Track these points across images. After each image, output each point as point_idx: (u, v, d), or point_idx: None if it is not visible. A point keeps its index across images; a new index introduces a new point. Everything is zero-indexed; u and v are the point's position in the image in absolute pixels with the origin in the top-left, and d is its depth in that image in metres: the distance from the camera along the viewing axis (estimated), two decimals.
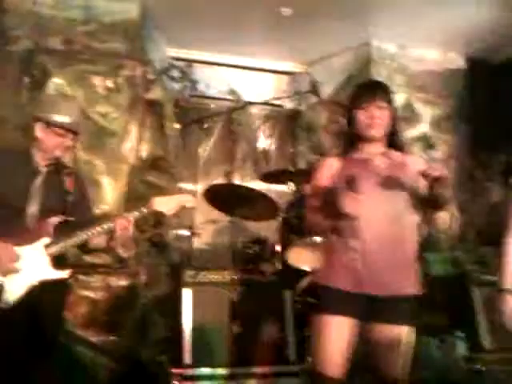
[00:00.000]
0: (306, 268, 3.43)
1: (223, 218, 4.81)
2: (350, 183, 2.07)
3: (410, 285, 2.21)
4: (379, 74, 5.70)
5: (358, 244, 2.15)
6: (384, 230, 2.16)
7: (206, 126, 4.95)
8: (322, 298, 2.21)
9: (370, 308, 2.15)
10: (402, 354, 2.14)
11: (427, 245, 4.70)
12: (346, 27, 5.39)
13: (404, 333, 2.15)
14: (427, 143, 5.68)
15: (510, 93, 5.62)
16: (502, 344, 3.21)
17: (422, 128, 5.71)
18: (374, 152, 2.29)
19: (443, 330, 3.41)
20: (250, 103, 5.83)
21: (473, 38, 5.67)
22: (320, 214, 2.21)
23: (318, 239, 3.61)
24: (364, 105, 2.26)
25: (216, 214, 4.70)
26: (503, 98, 5.63)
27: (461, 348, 3.29)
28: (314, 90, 5.35)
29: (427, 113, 5.75)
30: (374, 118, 2.24)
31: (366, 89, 2.38)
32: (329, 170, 2.32)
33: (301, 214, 3.71)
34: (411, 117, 5.65)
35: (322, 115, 5.88)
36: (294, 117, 6.20)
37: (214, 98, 5.98)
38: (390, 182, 2.20)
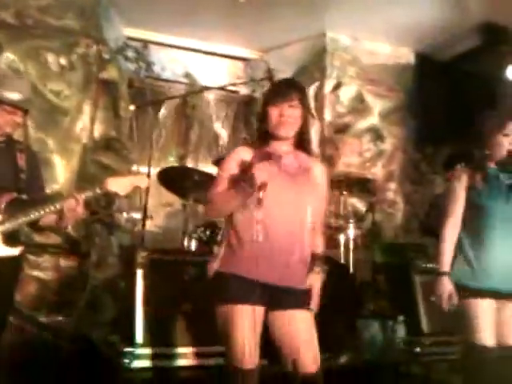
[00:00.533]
0: None
1: (176, 201, 4.86)
2: (260, 187, 2.10)
3: (304, 280, 2.25)
4: (333, 64, 5.84)
5: (262, 235, 2.16)
6: (286, 226, 2.20)
7: (160, 108, 4.94)
8: (228, 286, 2.17)
9: (272, 297, 2.18)
10: (307, 339, 2.19)
11: (372, 234, 4.88)
12: (301, 17, 5.47)
13: (307, 317, 2.22)
14: (376, 135, 5.87)
15: (456, 89, 5.87)
16: (439, 328, 3.39)
17: (372, 120, 5.89)
18: (284, 150, 2.28)
19: (386, 315, 3.58)
20: (205, 88, 5.85)
21: (423, 35, 5.86)
22: (226, 203, 2.22)
23: None
24: (277, 102, 2.25)
25: (169, 196, 4.74)
26: (449, 93, 5.87)
27: (401, 332, 3.47)
28: (269, 77, 5.41)
29: (377, 105, 5.92)
30: (285, 117, 2.24)
31: (281, 87, 2.36)
32: (235, 158, 2.26)
33: None
34: (362, 108, 5.82)
35: None
36: (248, 103, 6.25)
37: (169, 81, 5.95)
38: (296, 183, 2.24)
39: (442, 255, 2.56)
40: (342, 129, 5.71)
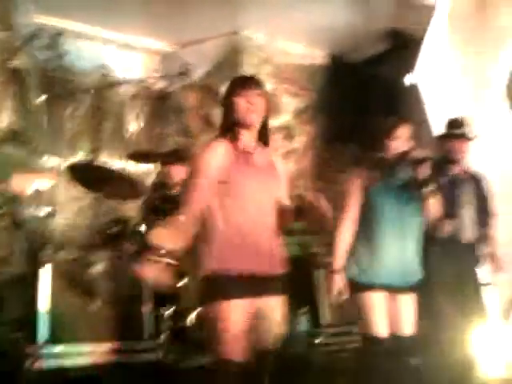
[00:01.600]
0: (169, 247, 3.57)
1: (86, 196, 4.80)
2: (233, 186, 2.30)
3: (280, 265, 2.44)
4: (248, 62, 5.94)
5: (244, 231, 2.33)
6: (261, 218, 2.37)
7: (73, 99, 4.84)
8: (219, 284, 2.29)
9: (256, 286, 2.32)
10: (277, 324, 2.40)
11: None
12: (218, 14, 5.52)
13: (279, 304, 2.40)
14: (289, 133, 6.05)
15: (364, 90, 6.17)
16: (340, 319, 3.61)
17: (285, 118, 6.06)
18: (251, 144, 2.42)
19: (289, 308, 3.74)
20: (120, 80, 5.78)
21: (335, 37, 6.10)
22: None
23: (181, 219, 3.77)
24: (244, 91, 2.38)
25: (80, 191, 4.68)
26: (358, 94, 6.16)
27: (303, 324, 3.65)
28: (185, 72, 5.45)
29: (290, 104, 6.10)
30: (253, 105, 2.37)
31: (246, 78, 2.55)
32: (213, 157, 2.38)
33: (164, 195, 3.86)
34: (275, 107, 5.96)
35: (191, 98, 5.99)
36: (163, 97, 6.22)
37: (82, 72, 5.82)
38: (267, 179, 2.43)
39: (335, 253, 2.73)
40: None
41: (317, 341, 3.50)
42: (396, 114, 6.24)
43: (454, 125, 3.68)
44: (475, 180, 3.73)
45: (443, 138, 3.70)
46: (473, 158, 3.83)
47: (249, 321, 2.30)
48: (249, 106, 2.37)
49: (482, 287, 3.80)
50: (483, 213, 3.60)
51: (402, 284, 2.75)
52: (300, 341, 3.54)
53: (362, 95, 6.08)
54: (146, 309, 3.12)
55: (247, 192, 2.35)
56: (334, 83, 6.23)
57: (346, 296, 2.69)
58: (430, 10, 5.14)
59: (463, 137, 3.60)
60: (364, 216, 2.76)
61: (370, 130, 2.96)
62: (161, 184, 3.95)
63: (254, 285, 2.31)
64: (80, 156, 5.53)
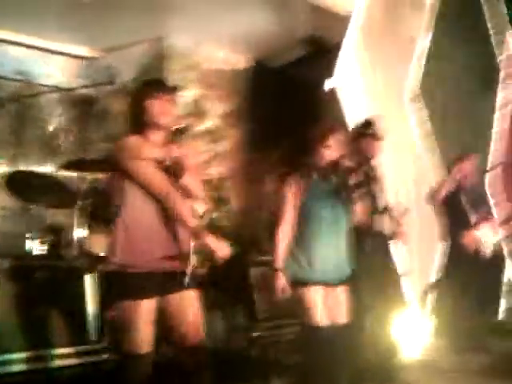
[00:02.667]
0: (104, 253, 3.64)
1: (13, 205, 4.71)
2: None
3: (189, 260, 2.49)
4: (173, 68, 6.04)
5: (153, 229, 2.42)
6: (168, 215, 2.45)
7: None
8: (125, 283, 2.37)
9: (165, 282, 2.43)
10: (196, 316, 2.50)
11: (210, 228, 5.19)
12: (142, 20, 5.56)
13: (195, 297, 2.52)
14: (214, 137, 6.19)
15: (287, 94, 6.42)
16: (272, 314, 3.81)
17: (210, 122, 6.20)
18: (160, 141, 2.50)
19: (226, 304, 3.89)
20: (42, 86, 5.70)
21: (258, 43, 6.32)
22: None
23: None
24: (160, 95, 2.49)
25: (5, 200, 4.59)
26: (280, 99, 6.41)
27: (240, 319, 3.81)
28: (109, 77, 5.45)
29: (215, 108, 6.25)
30: (168, 108, 2.50)
31: (161, 82, 2.64)
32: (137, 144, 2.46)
33: (98, 202, 3.90)
34: (200, 111, 6.10)
35: (115, 104, 6.00)
36: (88, 103, 6.18)
37: (3, 78, 5.68)
38: (176, 172, 2.48)
39: (275, 253, 2.90)
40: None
41: (254, 334, 3.67)
42: (317, 117, 6.61)
43: (367, 125, 3.95)
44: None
45: (357, 137, 3.93)
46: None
47: (157, 316, 2.39)
48: (162, 109, 2.49)
49: (400, 276, 4.11)
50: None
51: (336, 278, 2.96)
52: (238, 335, 3.70)
53: (284, 99, 6.33)
54: (90, 313, 3.17)
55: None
56: (258, 87, 6.43)
57: (288, 293, 2.85)
58: (347, 18, 5.43)
59: (376, 136, 3.87)
60: (300, 218, 2.93)
61: (303, 136, 3.10)
62: (95, 191, 3.98)
63: (160, 281, 2.40)
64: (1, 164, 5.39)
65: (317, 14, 5.74)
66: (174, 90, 2.57)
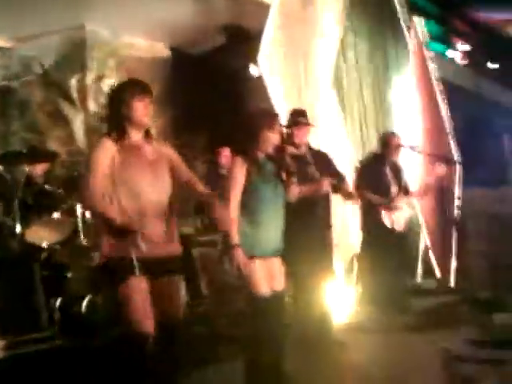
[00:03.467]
0: (45, 244, 3.66)
1: None
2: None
3: (176, 246, 2.76)
4: (93, 56, 5.99)
5: (135, 217, 2.57)
6: (157, 206, 2.63)
7: None
8: (121, 267, 2.54)
9: (151, 266, 2.59)
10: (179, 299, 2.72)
11: None
12: (61, 8, 5.47)
13: (180, 282, 2.73)
14: None
15: (207, 82, 6.57)
16: (216, 290, 4.00)
17: None
18: (140, 139, 2.69)
19: None
20: None
21: (177, 31, 6.38)
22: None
23: (55, 216, 3.85)
24: (142, 97, 2.68)
25: None
26: (202, 86, 6.53)
27: (185, 296, 3.96)
28: (27, 67, 5.34)
29: None
30: (148, 109, 2.69)
31: (141, 84, 2.78)
32: (105, 153, 2.61)
33: (35, 192, 3.89)
34: None
35: (36, 93, 5.87)
36: (4, 93, 5.99)
37: None
38: (157, 166, 2.68)
39: (230, 230, 3.07)
40: None
41: (200, 309, 3.84)
42: (242, 104, 6.80)
43: (296, 114, 4.21)
44: (317, 154, 4.28)
45: (288, 125, 4.18)
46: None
47: (150, 299, 2.55)
48: (146, 111, 2.68)
49: (332, 248, 4.41)
50: (335, 177, 4.14)
51: (275, 252, 3.19)
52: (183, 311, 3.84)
53: (204, 86, 6.46)
54: (40, 301, 3.19)
55: (138, 181, 2.60)
56: (178, 75, 6.51)
57: (249, 266, 3.03)
58: (266, 7, 5.62)
59: (307, 124, 4.14)
60: (246, 197, 3.11)
61: (248, 122, 3.28)
62: (26, 182, 3.93)
63: (151, 267, 2.57)
64: None
65: (237, 1, 5.92)
66: (152, 92, 2.75)
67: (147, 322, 2.53)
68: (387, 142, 5.17)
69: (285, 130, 4.22)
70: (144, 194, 2.60)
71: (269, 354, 3.06)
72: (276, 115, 3.32)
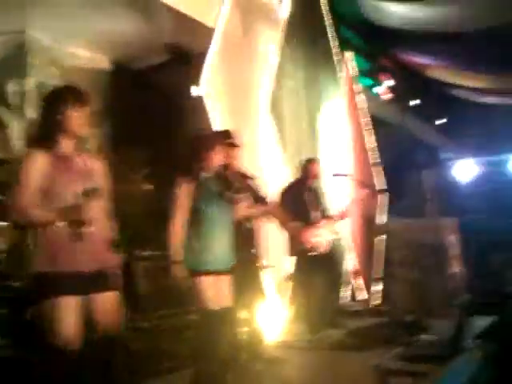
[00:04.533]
0: None
1: None
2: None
3: (112, 260, 2.70)
4: (33, 63, 5.87)
5: (68, 232, 2.51)
6: (92, 218, 2.56)
7: None
8: (45, 284, 2.47)
9: (89, 281, 2.54)
10: (117, 312, 2.66)
11: None
12: (2, 11, 5.35)
13: (116, 296, 2.68)
14: None
15: (146, 97, 6.59)
16: (156, 305, 4.01)
17: None
18: (71, 149, 2.60)
19: None
20: None
21: (118, 44, 6.39)
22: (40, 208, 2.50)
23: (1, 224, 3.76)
24: (80, 106, 2.59)
25: None
26: (141, 101, 6.55)
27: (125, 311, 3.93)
28: None
29: None
30: (84, 119, 2.59)
31: (80, 92, 2.68)
32: (35, 165, 2.51)
33: None
34: None
35: None
36: None
37: None
38: (86, 180, 2.60)
39: (172, 248, 3.15)
40: None
41: (139, 325, 3.83)
42: (178, 122, 6.86)
43: (227, 135, 4.35)
44: (243, 177, 4.42)
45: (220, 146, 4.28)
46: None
47: (80, 315, 2.50)
48: (82, 121, 2.59)
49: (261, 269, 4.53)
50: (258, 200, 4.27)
51: (223, 267, 3.29)
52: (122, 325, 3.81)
53: (142, 102, 6.48)
54: None
55: (68, 193, 2.51)
56: (118, 88, 6.49)
57: (188, 282, 3.10)
58: (210, 29, 5.78)
59: (235, 145, 4.27)
60: (193, 216, 3.20)
61: (191, 143, 3.36)
62: None
63: (82, 282, 2.51)
64: None
65: (182, 22, 6.01)
66: (89, 100, 2.67)
67: (72, 339, 2.46)
68: (307, 169, 5.35)
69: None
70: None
71: (212, 367, 3.13)
72: (217, 136, 3.44)
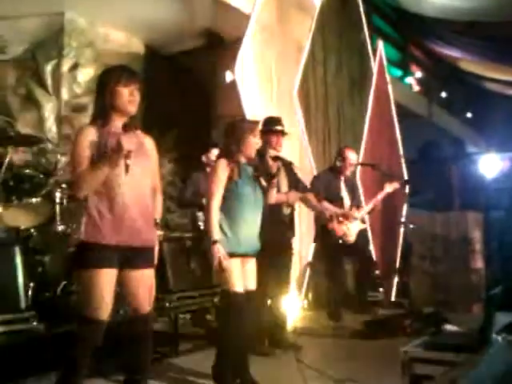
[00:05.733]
0: (23, 226, 3.70)
1: None
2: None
3: (153, 238, 2.81)
4: (70, 45, 5.99)
5: (119, 205, 2.62)
6: (136, 194, 2.66)
7: None
8: (91, 253, 2.57)
9: (127, 257, 2.65)
10: (150, 290, 2.78)
11: None
12: None
13: (151, 274, 2.79)
14: None
15: (178, 81, 6.69)
16: (183, 286, 4.12)
17: None
18: (121, 128, 2.61)
19: None
20: None
21: (153, 29, 6.49)
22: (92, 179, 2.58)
23: (33, 201, 3.90)
24: (128, 83, 2.66)
25: None
26: (173, 84, 6.66)
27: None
28: (1, 47, 5.29)
29: None
30: (134, 96, 2.66)
31: (127, 70, 2.76)
32: (87, 139, 2.60)
33: (20, 176, 3.92)
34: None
35: (9, 75, 5.82)
36: None
37: None
38: (137, 156, 2.62)
39: (211, 227, 3.23)
40: (78, 109, 5.93)
41: (167, 304, 3.95)
42: (210, 106, 6.95)
43: (273, 122, 4.40)
44: (286, 164, 4.49)
45: (265, 132, 4.36)
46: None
47: (118, 287, 2.62)
48: (131, 98, 2.65)
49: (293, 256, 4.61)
50: (298, 188, 4.35)
51: (252, 251, 3.38)
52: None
53: (178, 86, 6.58)
54: (20, 282, 3.24)
55: (118, 169, 2.58)
56: (151, 72, 6.57)
57: (228, 262, 3.20)
58: (246, 15, 5.82)
59: (282, 132, 4.33)
60: (227, 199, 3.28)
61: (231, 127, 3.45)
62: (8, 165, 3.93)
63: (123, 256, 2.61)
64: None
65: (216, 7, 6.08)
66: (139, 78, 2.74)
67: (103, 310, 2.57)
68: (344, 157, 5.34)
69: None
70: (122, 183, 2.61)
71: (233, 348, 3.26)
72: (257, 122, 3.50)
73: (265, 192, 3.43)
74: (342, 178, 5.35)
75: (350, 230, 5.21)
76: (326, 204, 5.03)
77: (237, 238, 3.28)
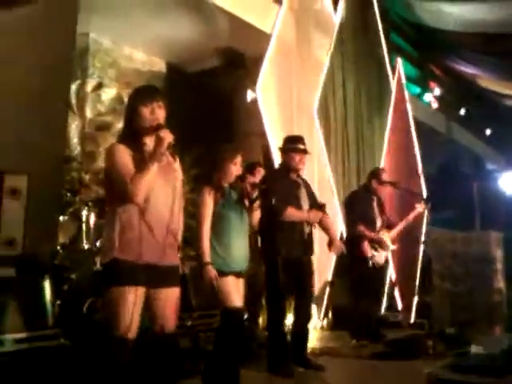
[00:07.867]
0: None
1: None
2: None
3: (178, 257, 2.83)
4: (94, 65, 6.12)
5: (148, 223, 2.63)
6: (163, 214, 2.68)
7: None
8: (122, 271, 2.58)
9: (154, 275, 2.66)
10: (176, 309, 2.81)
11: None
12: None
13: (177, 292, 2.83)
14: None
15: (199, 100, 6.77)
16: (203, 304, 4.17)
17: None
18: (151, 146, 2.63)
19: None
20: None
21: (174, 48, 6.61)
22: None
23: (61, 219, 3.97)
24: (148, 101, 2.64)
25: None
26: (194, 103, 6.74)
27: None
28: None
29: None
30: (156, 114, 2.63)
31: (150, 89, 2.81)
32: (124, 156, 2.61)
33: None
34: (121, 109, 6.22)
35: None
36: None
37: None
38: (166, 174, 2.67)
39: (202, 250, 3.34)
40: (102, 127, 6.05)
41: (188, 323, 3.99)
42: (231, 125, 7.02)
43: (295, 141, 4.42)
44: (306, 183, 4.52)
45: (287, 150, 4.39)
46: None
47: (144, 306, 2.61)
48: (153, 117, 2.62)
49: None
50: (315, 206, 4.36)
51: (242, 269, 3.52)
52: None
53: (199, 104, 6.66)
54: (47, 299, 3.30)
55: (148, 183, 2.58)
56: (172, 90, 6.67)
57: (218, 283, 3.32)
58: (265, 35, 5.90)
59: (304, 151, 4.36)
60: (215, 222, 3.43)
61: (214, 154, 3.54)
62: None
63: (151, 274, 2.62)
64: None
65: (237, 26, 6.18)
66: (161, 97, 2.72)
67: (132, 329, 2.57)
68: (377, 177, 5.34)
69: (280, 156, 4.49)
70: (156, 198, 2.63)
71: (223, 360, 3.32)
72: (239, 150, 3.59)
73: (249, 214, 3.58)
74: (375, 198, 5.36)
75: (380, 253, 5.23)
76: (360, 227, 5.09)
77: (228, 257, 3.42)
